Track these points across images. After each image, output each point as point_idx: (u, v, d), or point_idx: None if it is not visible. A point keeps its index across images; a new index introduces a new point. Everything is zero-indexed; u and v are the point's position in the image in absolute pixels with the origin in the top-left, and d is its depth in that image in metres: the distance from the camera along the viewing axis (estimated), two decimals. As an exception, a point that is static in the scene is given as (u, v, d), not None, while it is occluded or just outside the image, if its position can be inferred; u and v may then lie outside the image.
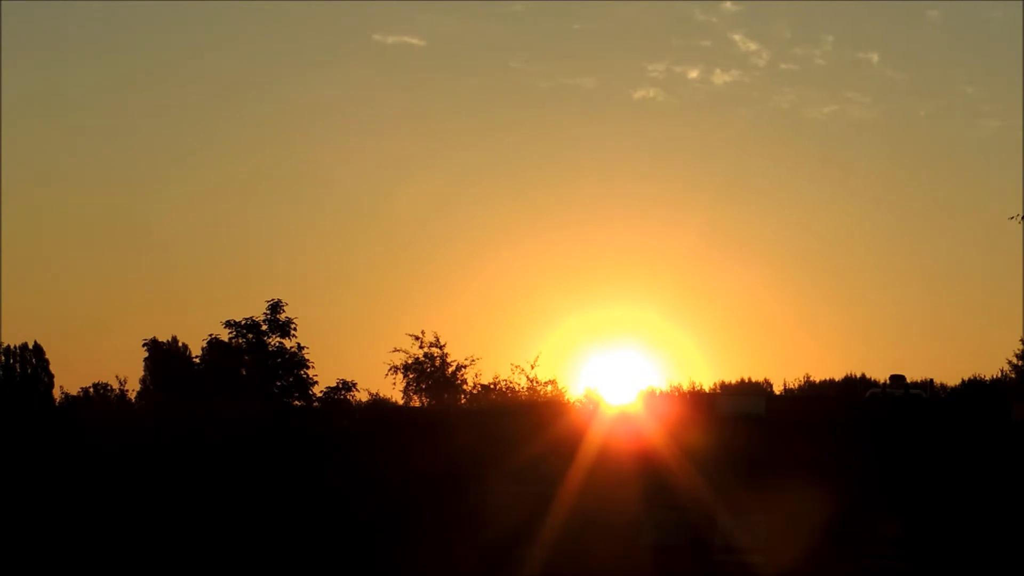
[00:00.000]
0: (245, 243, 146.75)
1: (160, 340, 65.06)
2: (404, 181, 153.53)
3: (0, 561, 59.98)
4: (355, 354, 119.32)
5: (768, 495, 58.38)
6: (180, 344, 78.03)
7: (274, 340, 61.86)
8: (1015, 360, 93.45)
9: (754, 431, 60.92)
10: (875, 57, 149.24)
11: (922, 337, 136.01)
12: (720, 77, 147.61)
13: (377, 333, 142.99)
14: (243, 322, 61.73)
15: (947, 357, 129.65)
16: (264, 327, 61.73)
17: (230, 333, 61.75)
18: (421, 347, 73.18)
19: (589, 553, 59.20)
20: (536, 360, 71.16)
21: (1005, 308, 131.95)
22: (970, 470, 59.22)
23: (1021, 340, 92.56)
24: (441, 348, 73.42)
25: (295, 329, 62.03)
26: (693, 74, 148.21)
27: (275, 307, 61.99)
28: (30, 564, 59.75)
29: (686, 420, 62.08)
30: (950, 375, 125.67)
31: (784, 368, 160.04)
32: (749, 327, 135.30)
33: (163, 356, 65.19)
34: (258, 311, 62.04)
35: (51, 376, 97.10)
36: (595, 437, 61.36)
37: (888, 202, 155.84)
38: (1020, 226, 41.86)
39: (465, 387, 73.01)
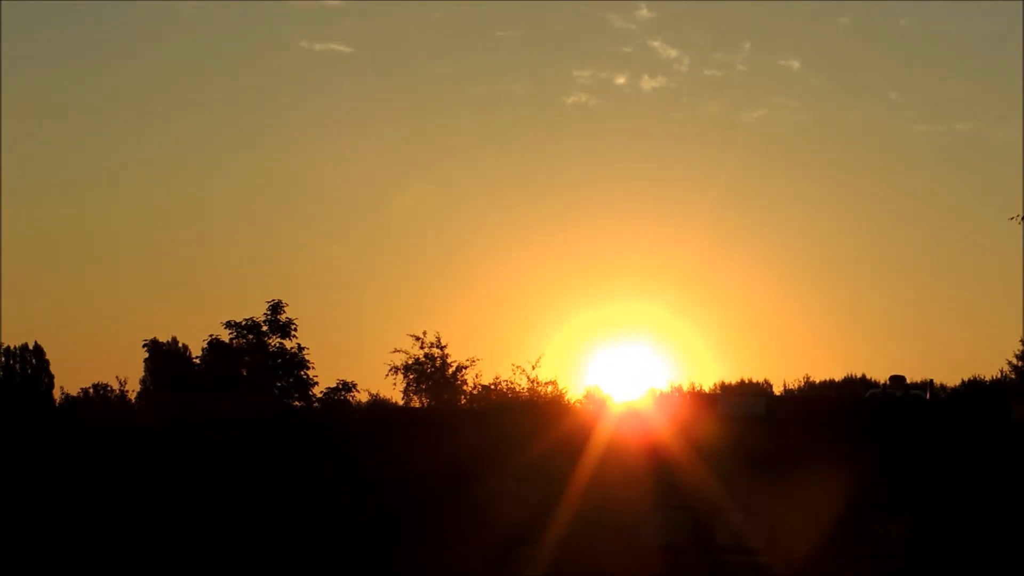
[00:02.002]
0: (245, 243, 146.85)
1: (160, 340, 65.07)
2: (404, 182, 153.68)
3: (0, 561, 59.97)
4: (355, 355, 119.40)
5: (773, 495, 58.41)
6: (180, 344, 77.93)
7: (274, 341, 61.91)
8: (1015, 360, 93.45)
9: (757, 431, 60.93)
10: (796, 64, 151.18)
11: (922, 337, 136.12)
12: (648, 83, 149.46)
13: (377, 333, 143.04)
14: (243, 322, 61.78)
15: (947, 357, 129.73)
16: (264, 328, 61.77)
17: (230, 333, 61.83)
18: (422, 347, 73.13)
19: (595, 553, 59.23)
20: (538, 361, 71.08)
21: (1005, 308, 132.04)
22: (970, 470, 59.20)
23: (1021, 340, 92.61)
24: (442, 349, 73.38)
25: (295, 330, 62.14)
26: (620, 80, 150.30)
27: (275, 308, 62.03)
28: (30, 564, 59.74)
29: (690, 418, 62.12)
30: (950, 375, 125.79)
31: (784, 368, 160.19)
32: (749, 327, 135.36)
33: (163, 356, 65.15)
34: (258, 311, 62.15)
35: (51, 376, 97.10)
36: (601, 435, 61.39)
37: (889, 203, 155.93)
38: (1020, 226, 41.88)
39: (465, 388, 72.96)
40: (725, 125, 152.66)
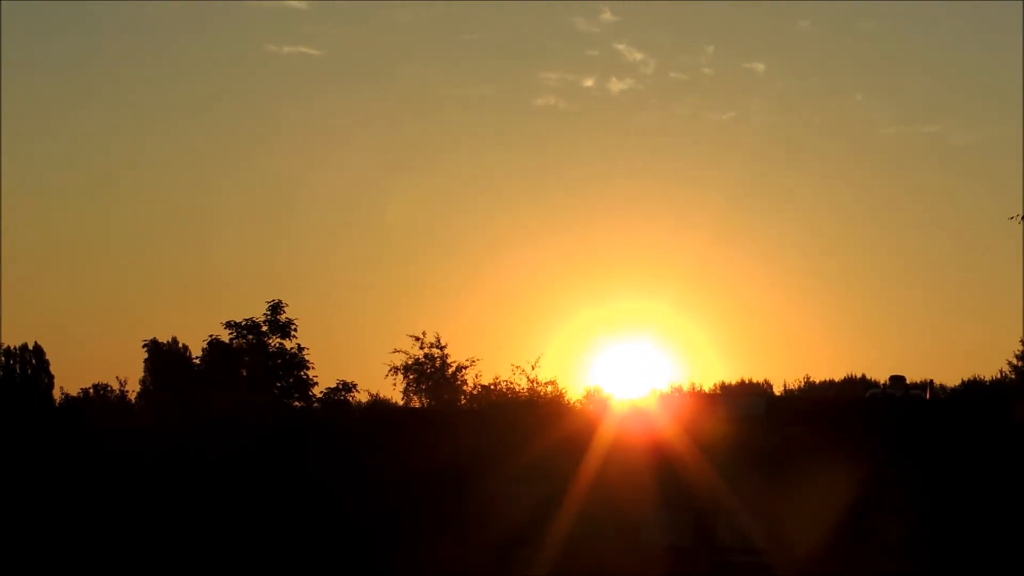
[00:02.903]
0: (245, 243, 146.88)
1: (160, 340, 65.01)
2: (403, 182, 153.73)
3: (0, 561, 59.97)
4: (355, 355, 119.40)
5: (774, 496, 58.42)
6: (180, 345, 77.95)
7: (274, 341, 61.88)
8: (1015, 361, 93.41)
9: (757, 431, 60.94)
10: (760, 67, 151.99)
11: (922, 337, 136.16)
12: (616, 85, 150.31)
13: (377, 334, 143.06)
14: (243, 323, 61.75)
15: (947, 357, 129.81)
16: (264, 328, 61.74)
17: (230, 334, 61.80)
18: (421, 348, 73.16)
19: (598, 553, 59.23)
20: (537, 361, 71.06)
21: (1005, 308, 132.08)
22: (970, 470, 59.19)
23: (1021, 340, 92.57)
24: (442, 349, 73.41)
25: (295, 330, 62.10)
26: (588, 82, 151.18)
27: (275, 308, 62.01)
28: (31, 564, 59.73)
29: (692, 418, 62.15)
30: (950, 375, 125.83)
31: (784, 369, 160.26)
32: (749, 328, 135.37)
33: (163, 357, 65.11)
34: (258, 312, 62.13)
35: (51, 377, 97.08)
36: (604, 434, 61.41)
37: (888, 203, 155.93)
38: (1020, 226, 41.86)
39: (465, 388, 72.96)
40: (697, 127, 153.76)
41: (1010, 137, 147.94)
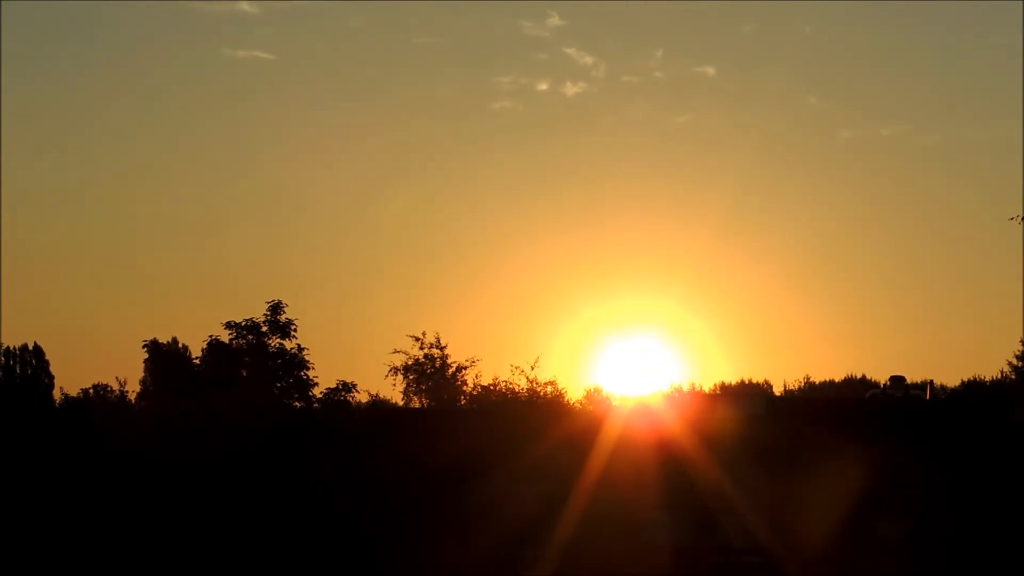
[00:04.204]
0: (245, 244, 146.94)
1: (160, 341, 64.95)
2: (403, 182, 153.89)
3: (1, 561, 59.99)
4: (355, 355, 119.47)
5: (775, 496, 58.49)
6: (180, 345, 77.86)
7: (274, 341, 61.85)
8: (1015, 361, 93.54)
9: (757, 431, 60.99)
10: (711, 70, 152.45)
11: (922, 337, 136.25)
12: (571, 89, 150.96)
13: (377, 334, 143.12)
14: (243, 323, 61.72)
15: (947, 358, 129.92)
16: (264, 328, 61.73)
17: (230, 334, 61.76)
18: (421, 348, 73.22)
19: (602, 553, 59.27)
20: (536, 361, 71.11)
21: (1005, 308, 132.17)
22: (970, 471, 59.23)
23: (1021, 341, 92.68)
24: (442, 349, 73.47)
25: (295, 330, 62.06)
26: (543, 86, 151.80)
27: (275, 308, 61.98)
28: (31, 565, 59.75)
29: (693, 418, 62.22)
30: (950, 376, 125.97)
31: (784, 369, 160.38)
32: (748, 329, 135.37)
33: (163, 357, 65.01)
34: (258, 312, 62.10)
35: (51, 377, 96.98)
36: (607, 433, 61.46)
37: (888, 204, 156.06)
38: (1020, 226, 41.87)
39: (465, 388, 73.02)
40: (653, 129, 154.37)
41: (1002, 138, 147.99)
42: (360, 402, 67.06)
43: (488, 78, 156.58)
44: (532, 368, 70.78)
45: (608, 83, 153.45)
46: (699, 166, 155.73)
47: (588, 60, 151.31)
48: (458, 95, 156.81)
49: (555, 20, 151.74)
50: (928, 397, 68.54)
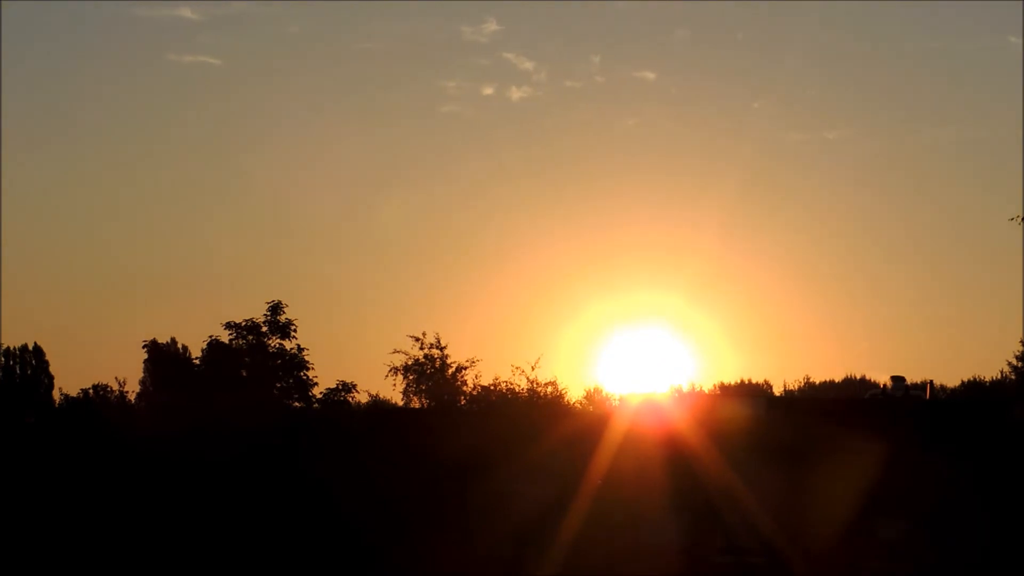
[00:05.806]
0: (245, 244, 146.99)
1: (160, 341, 64.95)
2: (402, 184, 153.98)
3: (1, 561, 59.98)
4: (355, 355, 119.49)
5: (775, 496, 58.49)
6: (180, 345, 77.85)
7: (274, 341, 61.83)
8: (1015, 361, 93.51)
9: (757, 431, 61.01)
10: (651, 75, 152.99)
11: (922, 337, 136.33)
12: (516, 93, 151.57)
13: (377, 334, 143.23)
14: (243, 323, 61.70)
15: (947, 358, 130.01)
16: (264, 328, 61.70)
17: (230, 334, 61.74)
18: (421, 348, 73.10)
19: (607, 553, 59.27)
20: (536, 362, 71.01)
21: (1005, 309, 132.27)
22: (970, 471, 59.21)
23: (1021, 341, 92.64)
24: (442, 349, 73.33)
25: (295, 330, 62.04)
26: (488, 91, 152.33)
27: (275, 308, 61.96)
28: (31, 565, 59.74)
29: (699, 415, 62.24)
30: (950, 376, 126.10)
31: (784, 369, 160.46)
32: (748, 329, 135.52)
33: (163, 357, 65.00)
34: (258, 312, 62.09)
35: (51, 377, 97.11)
36: (613, 432, 61.46)
37: (888, 204, 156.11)
38: (1020, 227, 41.84)
39: (465, 388, 72.90)
40: (601, 132, 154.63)
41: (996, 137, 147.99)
42: (360, 402, 67.07)
43: (434, 81, 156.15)
44: (533, 368, 70.75)
45: (551, 88, 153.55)
46: (694, 170, 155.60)
47: (528, 65, 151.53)
48: (408, 99, 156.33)
49: (492, 25, 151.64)
50: (928, 397, 68.55)
